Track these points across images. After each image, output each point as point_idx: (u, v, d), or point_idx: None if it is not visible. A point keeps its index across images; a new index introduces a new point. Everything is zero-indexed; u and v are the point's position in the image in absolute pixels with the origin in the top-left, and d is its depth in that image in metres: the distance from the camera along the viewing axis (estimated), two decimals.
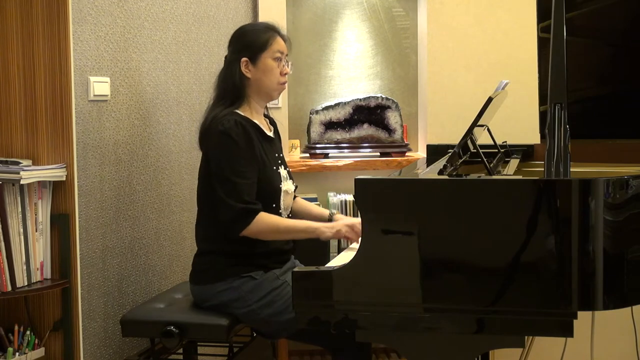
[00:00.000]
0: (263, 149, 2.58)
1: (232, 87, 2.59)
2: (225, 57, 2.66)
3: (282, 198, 2.60)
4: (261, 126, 2.62)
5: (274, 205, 2.57)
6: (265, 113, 2.74)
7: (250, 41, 2.59)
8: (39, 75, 2.44)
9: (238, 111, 2.58)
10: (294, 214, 2.75)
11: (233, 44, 2.64)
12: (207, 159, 2.55)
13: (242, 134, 2.49)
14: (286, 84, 2.67)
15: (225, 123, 2.49)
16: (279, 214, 2.59)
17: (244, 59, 2.58)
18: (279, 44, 2.61)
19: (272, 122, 2.78)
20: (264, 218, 2.48)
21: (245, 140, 2.50)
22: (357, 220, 2.62)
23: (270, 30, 2.62)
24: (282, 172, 2.65)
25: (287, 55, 2.65)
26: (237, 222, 2.45)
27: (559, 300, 1.89)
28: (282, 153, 2.74)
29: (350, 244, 2.67)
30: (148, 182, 2.94)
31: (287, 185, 2.65)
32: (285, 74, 2.64)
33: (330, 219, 2.75)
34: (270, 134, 2.68)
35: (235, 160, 2.47)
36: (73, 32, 2.47)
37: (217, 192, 2.47)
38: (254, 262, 2.56)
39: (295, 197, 2.81)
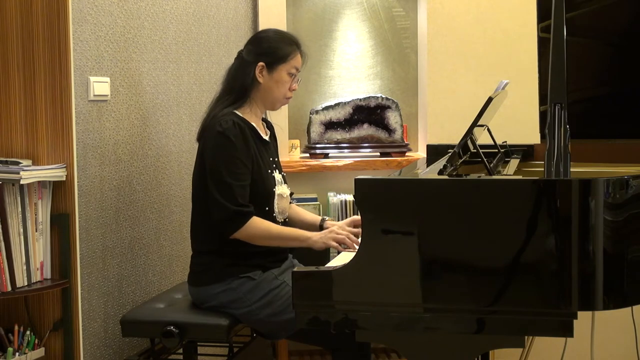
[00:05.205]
0: (258, 152, 2.57)
1: (240, 86, 2.60)
2: (240, 53, 2.66)
3: (275, 201, 2.59)
4: (258, 129, 2.62)
5: (267, 208, 2.56)
6: (263, 117, 2.75)
7: (273, 48, 2.60)
8: (39, 75, 2.44)
9: (237, 112, 2.58)
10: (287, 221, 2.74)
11: (254, 45, 2.64)
12: (203, 159, 2.55)
13: (240, 135, 2.49)
14: (289, 100, 2.68)
15: (223, 124, 2.49)
16: (273, 218, 2.58)
17: (261, 63, 2.58)
18: (297, 60, 2.63)
19: (270, 126, 2.78)
20: (257, 223, 2.48)
21: (242, 142, 2.49)
22: (346, 222, 2.63)
23: (294, 44, 2.64)
24: (277, 176, 2.65)
25: (299, 71, 2.66)
26: (229, 224, 2.46)
27: (559, 301, 1.89)
28: (277, 157, 2.74)
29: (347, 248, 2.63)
30: (148, 182, 2.94)
31: (281, 189, 2.63)
32: (293, 90, 2.66)
33: (321, 225, 2.74)
34: (266, 137, 2.68)
35: (232, 162, 2.47)
36: (73, 32, 2.47)
37: (211, 192, 2.47)
38: (252, 263, 2.55)
39: (290, 202, 2.80)
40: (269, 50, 2.60)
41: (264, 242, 2.52)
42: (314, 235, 2.52)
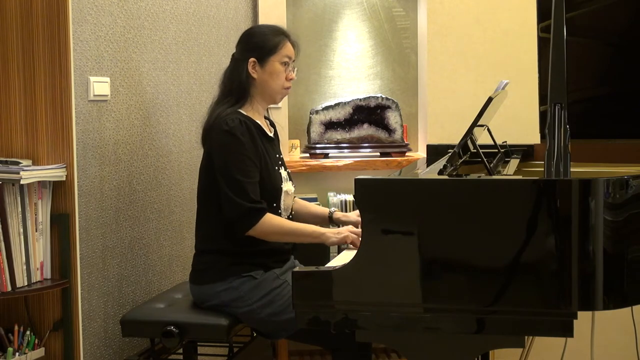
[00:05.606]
0: (265, 149, 2.59)
1: (237, 86, 2.61)
2: (233, 54, 2.68)
3: (282, 198, 2.61)
4: (263, 126, 2.63)
5: (274, 204, 2.58)
6: (266, 115, 2.76)
7: (260, 42, 2.61)
8: (39, 75, 2.44)
9: (241, 110, 2.59)
10: (294, 214, 2.76)
11: (242, 43, 2.66)
12: (210, 158, 2.55)
13: (247, 133, 2.51)
14: (289, 89, 2.69)
15: (229, 122, 2.50)
16: (279, 214, 2.60)
17: (252, 59, 2.60)
18: (288, 48, 2.64)
19: (272, 124, 2.79)
20: (271, 219, 2.50)
21: (249, 140, 2.51)
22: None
23: (281, 34, 2.64)
24: (283, 172, 2.67)
25: (294, 60, 2.67)
26: (244, 221, 2.47)
27: (559, 301, 1.89)
28: (281, 155, 2.75)
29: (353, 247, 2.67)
30: (148, 182, 2.94)
31: (287, 186, 2.66)
32: (291, 79, 2.66)
33: (330, 217, 2.78)
34: (271, 134, 2.70)
35: (241, 160, 2.48)
36: (73, 32, 2.47)
37: (223, 191, 2.48)
38: (254, 262, 2.56)
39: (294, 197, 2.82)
40: (257, 45, 2.61)
41: (277, 237, 2.53)
42: (328, 232, 2.53)
